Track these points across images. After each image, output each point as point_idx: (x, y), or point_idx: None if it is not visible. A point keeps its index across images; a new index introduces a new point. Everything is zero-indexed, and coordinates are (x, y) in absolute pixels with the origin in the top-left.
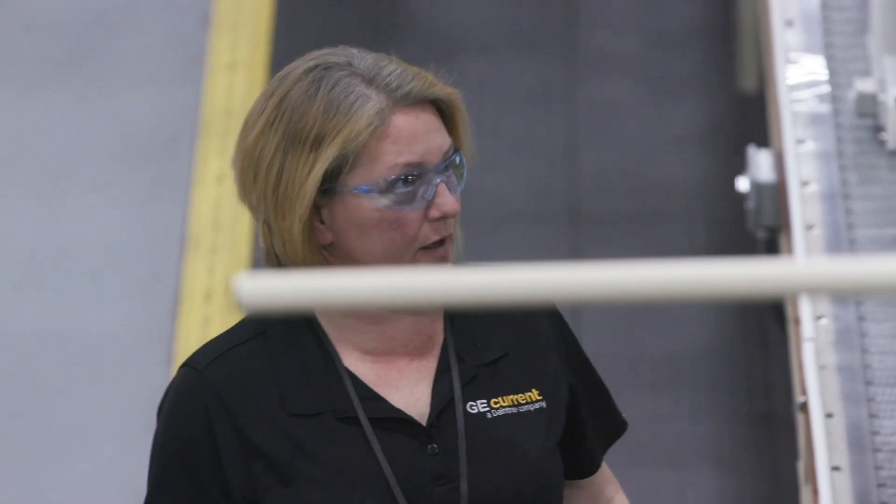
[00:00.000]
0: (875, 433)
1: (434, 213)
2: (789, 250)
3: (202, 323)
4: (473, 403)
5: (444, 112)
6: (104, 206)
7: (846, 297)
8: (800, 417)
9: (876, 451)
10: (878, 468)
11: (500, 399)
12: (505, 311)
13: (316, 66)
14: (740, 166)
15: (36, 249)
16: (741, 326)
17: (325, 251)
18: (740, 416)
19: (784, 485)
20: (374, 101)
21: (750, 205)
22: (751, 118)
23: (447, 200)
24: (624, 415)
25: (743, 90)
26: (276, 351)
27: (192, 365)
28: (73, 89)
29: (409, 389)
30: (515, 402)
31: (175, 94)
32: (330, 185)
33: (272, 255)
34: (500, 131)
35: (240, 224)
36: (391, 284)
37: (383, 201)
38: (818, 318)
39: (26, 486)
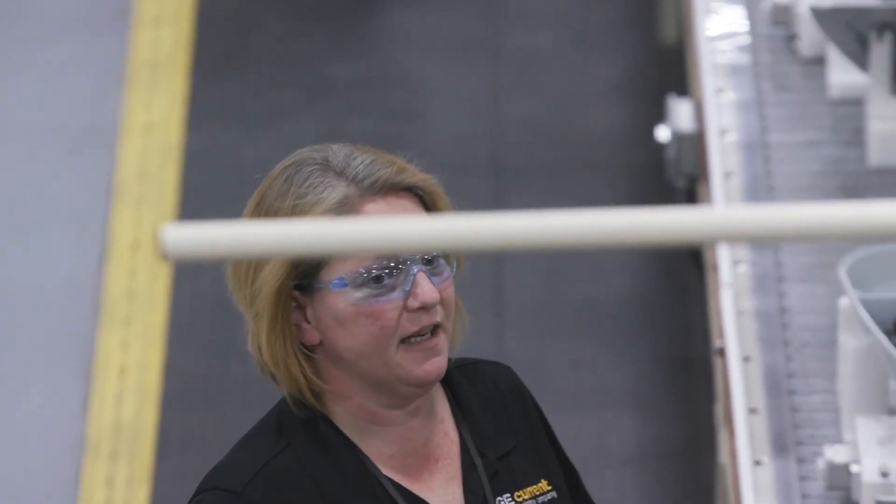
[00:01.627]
0: (791, 376)
1: (412, 304)
2: (708, 198)
3: (129, 273)
4: (501, 498)
5: (424, 200)
6: (31, 159)
7: (764, 244)
8: (717, 362)
9: (791, 393)
10: (793, 410)
11: (521, 493)
12: (501, 398)
13: (291, 164)
14: (660, 116)
15: None
16: (661, 273)
17: (316, 353)
18: (660, 360)
19: (702, 427)
20: (338, 190)
21: (670, 154)
22: (671, 68)
23: (425, 290)
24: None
25: (663, 41)
26: (310, 462)
27: (227, 488)
28: None
29: (442, 490)
30: (533, 495)
31: (101, 48)
32: (308, 282)
33: (260, 361)
34: (424, 81)
35: (166, 175)
36: (311, 233)
37: (358, 294)
38: (736, 264)
39: None
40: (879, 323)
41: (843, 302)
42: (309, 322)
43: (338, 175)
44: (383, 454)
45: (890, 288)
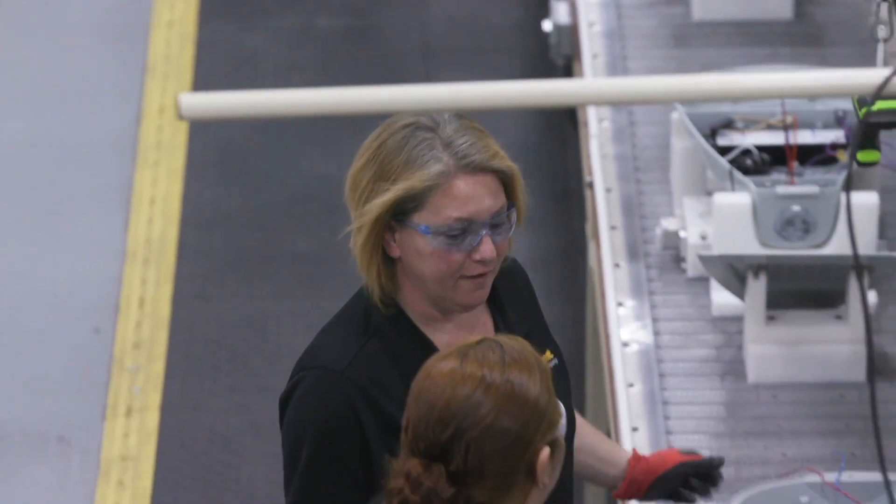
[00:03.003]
0: (642, 204)
1: (476, 257)
2: (580, 73)
3: (157, 129)
4: None
5: (505, 182)
6: (86, 47)
7: (620, 105)
8: (588, 192)
9: (643, 217)
10: (643, 230)
11: None
12: (518, 289)
13: (410, 125)
14: (545, 13)
15: (36, 74)
16: (547, 127)
17: (396, 265)
18: (546, 191)
19: (576, 240)
20: (441, 165)
21: (552, 41)
22: None
23: (487, 249)
24: None
25: None
26: (393, 349)
27: (331, 367)
28: None
29: None
30: None
31: None
32: (403, 217)
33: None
34: None
35: (184, 57)
36: (303, 99)
37: (437, 242)
38: (601, 120)
39: (25, 251)
40: (700, 129)
41: (674, 115)
42: (395, 241)
43: (444, 146)
44: (443, 342)
45: (707, 105)
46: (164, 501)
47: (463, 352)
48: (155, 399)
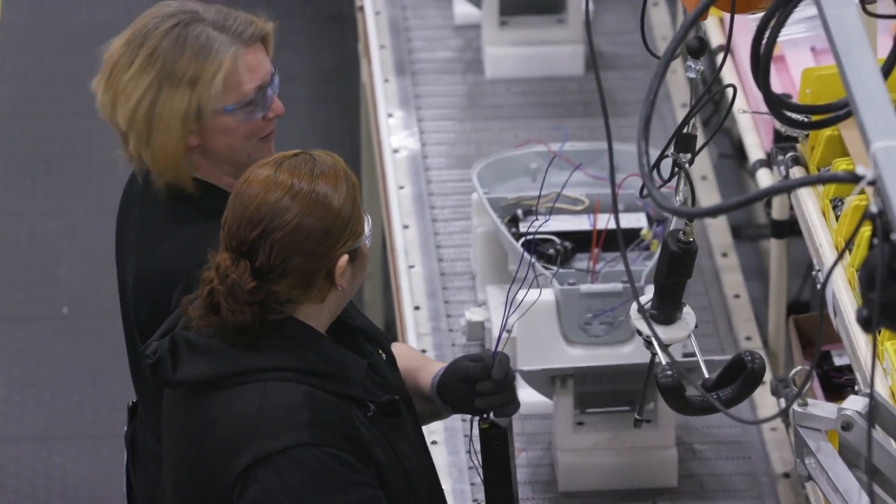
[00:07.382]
0: (406, 20)
1: (270, 115)
2: None
3: None
4: None
5: (266, 40)
6: None
7: None
8: (359, 16)
9: (408, 30)
10: (408, 41)
11: None
12: None
13: (176, 24)
14: None
15: None
16: None
17: (192, 151)
18: (322, 14)
19: (350, 59)
20: (233, 47)
21: None
22: None
23: (278, 105)
24: None
25: None
26: (215, 225)
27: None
28: None
29: None
30: None
31: None
32: (203, 108)
33: (140, 159)
34: None
35: None
36: None
37: (242, 114)
38: None
39: None
40: None
41: None
42: (191, 133)
43: (220, 30)
44: None
45: None
46: None
47: (279, 161)
48: None
